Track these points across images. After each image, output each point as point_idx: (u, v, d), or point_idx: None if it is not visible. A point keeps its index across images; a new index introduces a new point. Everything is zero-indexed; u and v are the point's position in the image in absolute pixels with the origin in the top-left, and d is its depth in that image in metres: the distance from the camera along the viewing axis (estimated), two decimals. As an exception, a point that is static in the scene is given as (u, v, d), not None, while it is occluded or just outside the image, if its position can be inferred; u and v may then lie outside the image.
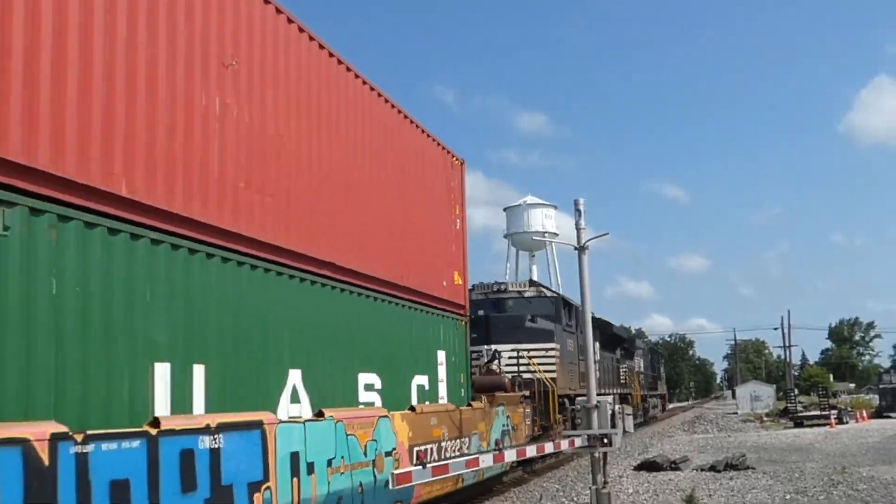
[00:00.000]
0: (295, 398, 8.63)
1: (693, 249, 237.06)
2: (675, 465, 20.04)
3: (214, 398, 7.25)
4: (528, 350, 21.12)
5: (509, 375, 18.17)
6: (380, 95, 11.55)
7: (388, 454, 9.86)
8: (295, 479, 7.81)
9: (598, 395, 26.32)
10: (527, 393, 18.07)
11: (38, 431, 5.07)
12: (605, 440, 11.38)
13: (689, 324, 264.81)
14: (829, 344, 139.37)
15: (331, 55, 10.17)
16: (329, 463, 8.46)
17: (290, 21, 9.19)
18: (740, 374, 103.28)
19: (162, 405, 6.62)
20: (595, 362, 27.26)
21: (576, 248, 12.16)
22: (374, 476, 9.41)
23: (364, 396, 10.20)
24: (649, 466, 19.94)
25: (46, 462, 5.08)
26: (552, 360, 21.73)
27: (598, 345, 29.80)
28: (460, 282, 14.35)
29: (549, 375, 20.85)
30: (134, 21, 6.75)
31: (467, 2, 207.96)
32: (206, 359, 7.25)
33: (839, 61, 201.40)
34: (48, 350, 5.63)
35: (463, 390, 14.06)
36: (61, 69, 5.98)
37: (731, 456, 20.75)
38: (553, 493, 16.31)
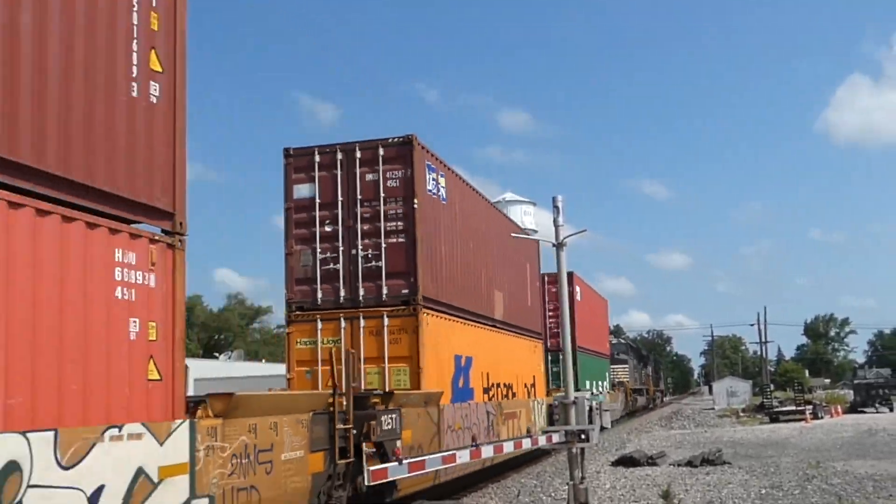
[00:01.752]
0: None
1: (674, 246, 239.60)
2: (651, 461, 20.41)
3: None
4: (616, 368, 45.50)
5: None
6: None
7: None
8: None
9: (634, 389, 54.49)
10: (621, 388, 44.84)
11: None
12: (583, 436, 11.52)
13: (668, 320, 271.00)
14: (804, 340, 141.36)
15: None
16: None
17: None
18: (717, 370, 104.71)
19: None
20: (628, 366, 54.24)
21: (554, 245, 12.23)
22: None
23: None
24: (626, 462, 20.32)
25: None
26: (626, 372, 48.87)
27: (635, 360, 55.75)
28: (607, 345, 40.18)
29: (625, 379, 47.87)
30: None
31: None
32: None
33: (821, 59, 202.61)
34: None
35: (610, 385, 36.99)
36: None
37: (707, 451, 21.12)
38: (531, 489, 16.43)
